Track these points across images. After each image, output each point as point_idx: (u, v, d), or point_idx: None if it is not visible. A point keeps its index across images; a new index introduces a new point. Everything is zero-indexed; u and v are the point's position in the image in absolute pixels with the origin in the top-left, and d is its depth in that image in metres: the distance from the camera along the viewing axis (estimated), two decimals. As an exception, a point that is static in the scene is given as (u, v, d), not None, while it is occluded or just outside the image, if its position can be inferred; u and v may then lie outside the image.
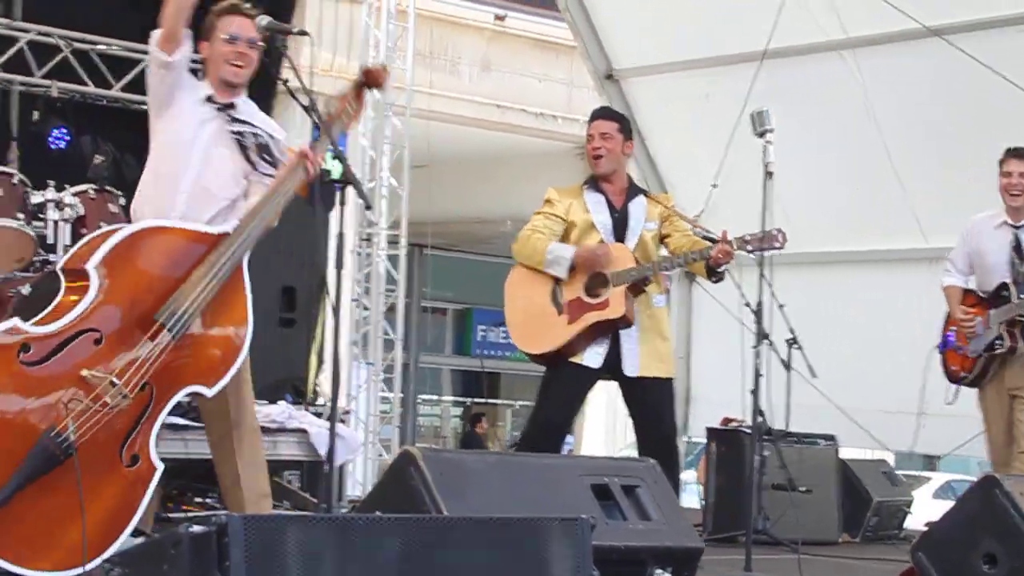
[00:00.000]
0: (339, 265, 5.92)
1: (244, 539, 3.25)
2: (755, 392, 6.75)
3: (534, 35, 19.67)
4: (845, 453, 9.74)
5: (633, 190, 7.29)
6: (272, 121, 6.23)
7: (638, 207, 7.22)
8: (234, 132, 5.96)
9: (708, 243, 7.04)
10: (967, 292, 8.04)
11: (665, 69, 11.57)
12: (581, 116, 19.56)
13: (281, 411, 8.66)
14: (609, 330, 7.00)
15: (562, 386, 7.14)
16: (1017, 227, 7.85)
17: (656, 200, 7.30)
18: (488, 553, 3.62)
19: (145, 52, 11.01)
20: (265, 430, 8.42)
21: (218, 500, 8.42)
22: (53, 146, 10.64)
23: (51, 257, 8.32)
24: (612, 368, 7.06)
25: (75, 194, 8.56)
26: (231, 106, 6.00)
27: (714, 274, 7.05)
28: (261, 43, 6.01)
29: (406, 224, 14.39)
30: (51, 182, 8.63)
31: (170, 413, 7.83)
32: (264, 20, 5.99)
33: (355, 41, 15.78)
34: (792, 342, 8.87)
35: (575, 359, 7.01)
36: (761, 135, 6.79)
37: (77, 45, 10.97)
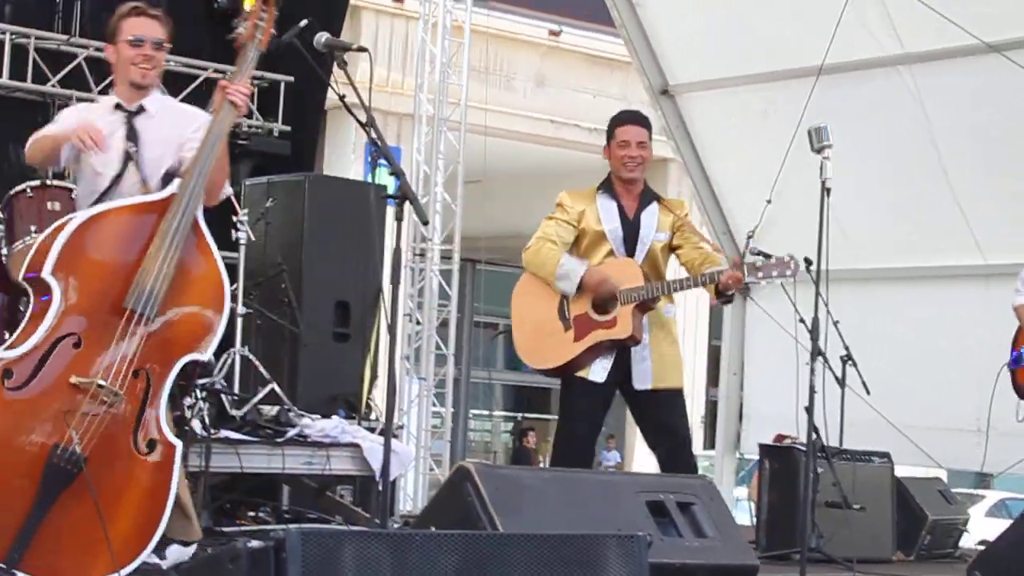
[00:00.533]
0: (395, 280, 5.92)
1: (302, 554, 3.26)
2: (809, 409, 6.71)
3: (588, 50, 19.72)
4: (899, 471, 9.69)
5: (647, 196, 7.14)
6: (192, 109, 6.21)
7: (650, 216, 7.08)
8: (127, 148, 5.87)
9: (719, 262, 6.97)
10: None
11: (721, 84, 11.53)
12: (635, 132, 19.65)
13: (334, 425, 8.66)
14: (616, 347, 6.92)
15: (575, 400, 7.05)
16: None
17: (669, 208, 7.15)
18: (544, 570, 3.62)
19: (200, 67, 11.20)
20: (318, 444, 8.47)
21: (271, 514, 8.46)
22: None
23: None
24: (620, 382, 6.98)
25: None
26: (141, 110, 5.94)
27: (723, 296, 6.98)
28: (168, 44, 5.96)
29: (459, 239, 14.41)
30: (108, 196, 8.66)
31: (226, 428, 7.94)
32: (323, 37, 6.00)
33: (411, 56, 15.86)
34: (846, 359, 8.84)
35: (581, 373, 6.92)
36: (819, 151, 6.73)
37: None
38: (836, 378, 8.22)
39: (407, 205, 5.74)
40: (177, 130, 5.98)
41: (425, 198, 14.00)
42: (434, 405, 14.61)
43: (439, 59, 14.43)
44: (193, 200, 5.66)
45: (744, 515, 10.40)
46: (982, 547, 6.35)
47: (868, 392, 8.36)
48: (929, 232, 10.44)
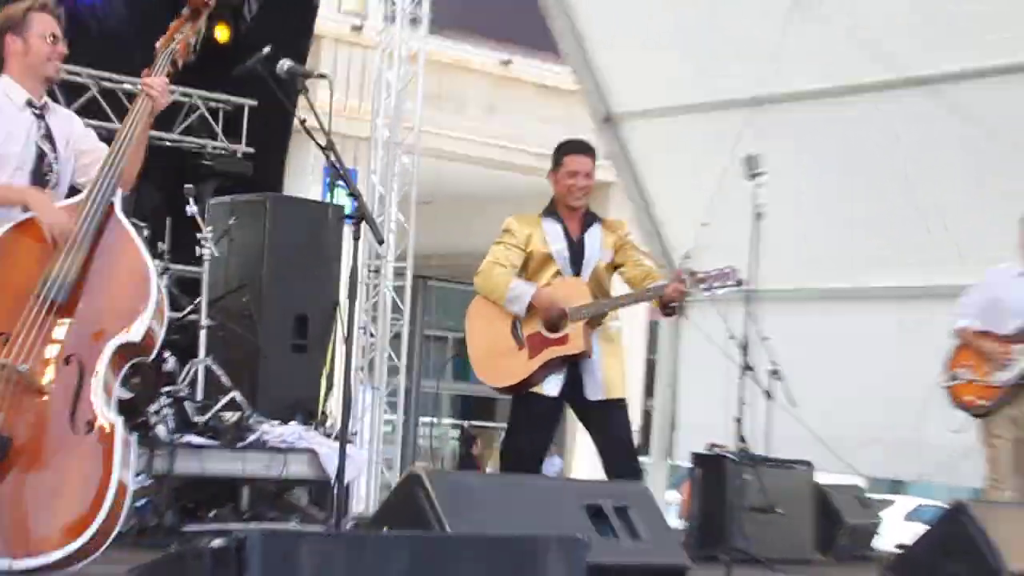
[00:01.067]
0: (351, 296, 5.94)
1: (262, 553, 3.27)
2: (738, 420, 6.77)
3: (537, 79, 19.72)
4: (820, 478, 9.76)
5: (589, 218, 7.10)
6: (65, 111, 5.98)
7: (594, 237, 7.04)
8: (39, 146, 5.68)
9: (661, 279, 6.94)
10: (983, 332, 8.21)
11: (661, 113, 11.55)
12: (579, 157, 19.68)
13: (292, 431, 8.68)
14: (567, 362, 6.88)
15: (528, 416, 6.98)
16: None
17: (611, 228, 7.11)
18: (490, 569, 3.64)
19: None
20: (276, 449, 8.48)
21: (231, 514, 8.44)
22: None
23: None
24: (571, 395, 6.92)
25: None
26: (45, 107, 5.74)
27: (668, 309, 6.93)
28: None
29: (412, 257, 14.40)
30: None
31: (190, 434, 7.90)
32: (286, 64, 6.01)
33: (368, 83, 15.83)
34: (774, 373, 8.91)
35: (535, 389, 6.85)
36: (752, 178, 6.78)
37: (104, 83, 11.02)
38: (764, 391, 8.27)
39: (363, 224, 5.76)
40: (68, 127, 5.85)
41: (380, 217, 13.96)
42: (386, 412, 14.58)
43: (395, 86, 14.41)
44: (105, 190, 5.54)
45: (675, 518, 10.45)
46: (899, 550, 6.39)
47: (794, 405, 8.40)
48: (851, 255, 10.49)
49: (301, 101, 6.11)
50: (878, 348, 9.48)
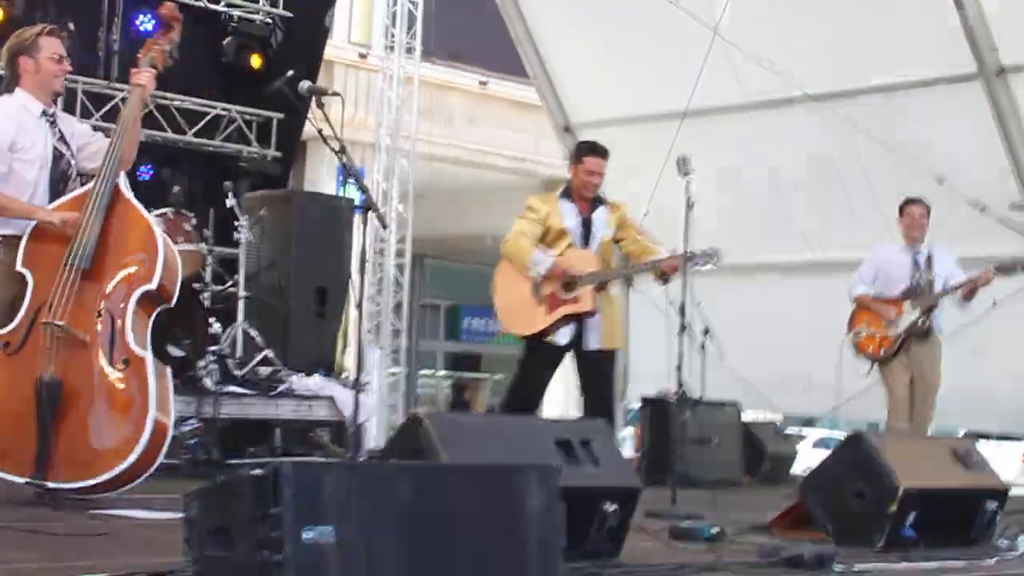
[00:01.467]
0: (361, 272, 5.90)
1: (294, 480, 3.22)
2: (679, 368, 6.75)
3: (509, 96, 19.65)
4: (746, 416, 9.75)
5: (596, 200, 7.16)
6: (64, 114, 5.92)
7: (600, 216, 7.11)
8: (55, 148, 5.64)
9: (656, 251, 7.03)
10: (888, 299, 8.29)
11: (610, 123, 11.51)
12: (544, 159, 19.63)
13: (316, 382, 8.63)
14: (577, 318, 6.97)
15: (539, 359, 7.05)
16: (913, 251, 8.28)
17: (613, 208, 7.18)
18: (480, 492, 3.60)
19: (211, 106, 11.08)
20: (302, 397, 8.44)
21: (266, 451, 8.39)
22: (141, 178, 10.59)
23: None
24: (576, 344, 7.00)
25: (157, 215, 8.49)
26: (55, 114, 5.70)
27: (663, 278, 7.03)
28: None
29: (410, 241, 14.39)
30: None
31: (231, 385, 7.83)
32: (306, 85, 5.97)
33: (372, 100, 15.76)
34: (706, 332, 8.89)
35: (549, 339, 6.93)
36: (684, 175, 6.76)
37: (160, 100, 10.93)
38: (699, 345, 8.26)
39: (370, 214, 5.71)
40: (71, 127, 5.80)
41: (384, 209, 13.96)
42: (391, 367, 14.59)
43: (394, 102, 14.39)
44: (109, 174, 5.51)
45: (629, 450, 10.42)
46: (808, 473, 6.36)
47: (722, 357, 8.41)
48: (769, 236, 10.49)
49: (318, 114, 6.08)
50: (793, 311, 9.51)
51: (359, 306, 6.20)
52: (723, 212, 10.03)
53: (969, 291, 8.06)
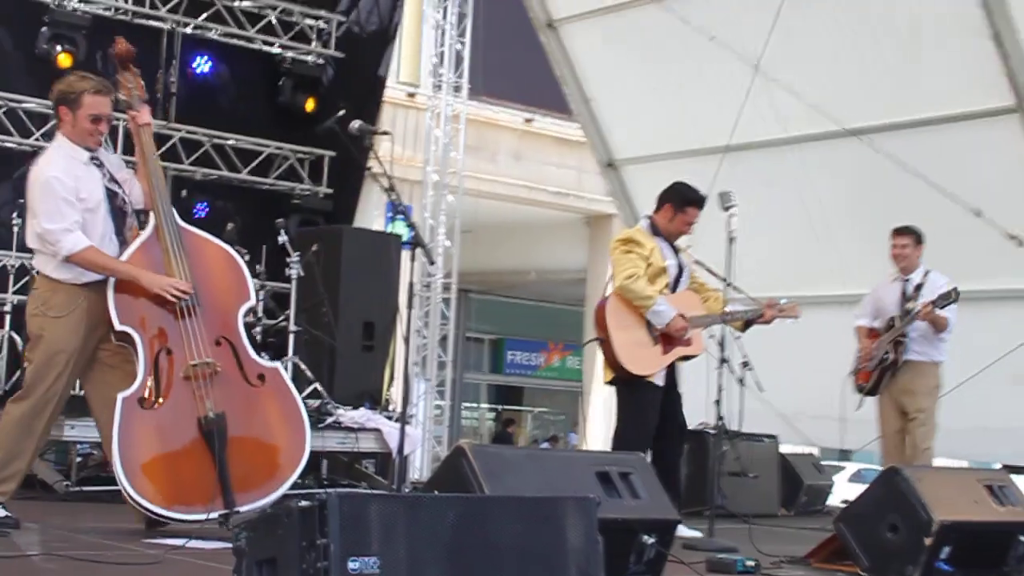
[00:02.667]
0: (408, 306, 5.94)
1: (340, 511, 3.26)
2: (718, 402, 6.73)
3: (554, 133, 19.72)
4: (783, 448, 9.71)
5: (674, 247, 7.15)
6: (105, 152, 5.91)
7: (684, 260, 7.13)
8: (108, 188, 5.64)
9: (719, 296, 7.03)
10: (872, 330, 8.33)
11: (652, 159, 11.57)
12: (588, 194, 19.67)
13: (361, 415, 8.67)
14: (686, 359, 6.97)
15: (650, 403, 6.90)
16: (903, 280, 8.25)
17: (686, 255, 7.19)
18: (520, 523, 3.62)
19: (265, 144, 11.21)
20: (349, 429, 8.48)
21: (313, 481, 8.43)
22: (197, 215, 10.74)
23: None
24: (665, 384, 6.95)
25: None
26: (97, 155, 5.69)
27: (748, 326, 7.08)
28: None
29: (456, 275, 14.43)
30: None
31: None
32: (356, 123, 6.02)
33: (420, 138, 15.85)
34: (745, 365, 8.84)
35: (651, 378, 6.84)
36: (726, 209, 6.75)
37: (216, 140, 11.06)
38: (737, 379, 8.22)
39: (417, 249, 5.76)
40: (109, 163, 5.79)
41: (431, 244, 14.02)
42: (436, 399, 14.61)
43: (441, 140, 14.46)
44: (168, 212, 5.62)
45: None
46: (844, 505, 6.34)
47: (761, 390, 8.36)
48: (806, 269, 10.46)
49: (368, 152, 6.14)
50: (828, 344, 9.42)
51: (406, 339, 6.23)
52: (761, 246, 10.00)
53: (931, 323, 7.96)
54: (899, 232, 8.26)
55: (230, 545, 3.58)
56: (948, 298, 7.89)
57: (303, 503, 3.32)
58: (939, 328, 8.00)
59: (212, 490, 5.34)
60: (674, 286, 7.01)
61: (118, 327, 5.46)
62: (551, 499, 3.77)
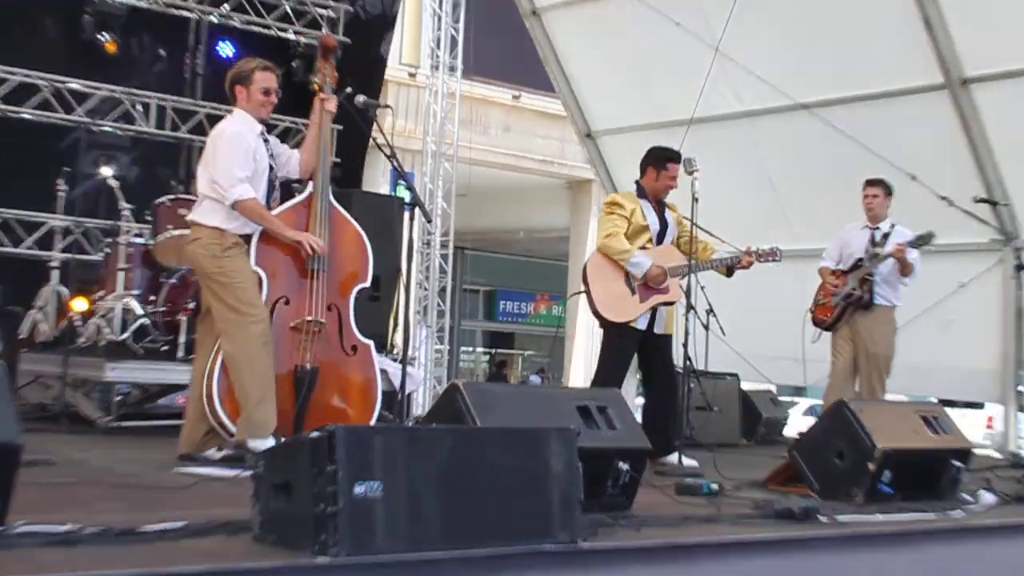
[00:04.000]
0: (409, 261, 5.89)
1: (346, 441, 3.21)
2: (685, 344, 6.69)
3: (538, 108, 19.64)
4: (744, 385, 9.68)
5: (662, 201, 6.99)
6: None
7: (669, 217, 6.97)
8: (270, 163, 5.71)
9: (711, 247, 6.90)
10: (833, 271, 8.13)
11: (625, 131, 11.51)
12: (570, 162, 19.59)
13: (371, 357, 8.61)
14: (664, 306, 6.82)
15: (626, 347, 6.79)
16: (872, 228, 8.05)
17: (673, 210, 7.03)
18: (509, 452, 3.58)
19: (282, 119, 11.04)
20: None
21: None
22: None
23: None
24: (647, 328, 6.80)
25: (157, 203, 8.14)
26: (263, 132, 5.77)
27: (731, 272, 6.93)
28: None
29: (453, 233, 14.39)
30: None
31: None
32: (361, 98, 5.94)
33: (420, 113, 15.76)
34: (709, 311, 8.80)
35: (632, 324, 6.72)
36: (690, 174, 6.68)
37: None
38: (702, 324, 8.19)
39: (417, 211, 5.70)
40: (272, 142, 5.86)
41: (430, 206, 13.98)
42: (436, 344, 14.58)
43: (439, 114, 14.38)
44: (325, 185, 5.76)
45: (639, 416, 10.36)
46: (798, 436, 6.32)
47: (724, 333, 8.34)
48: (763, 227, 10.37)
49: (374, 125, 6.06)
50: (780, 293, 9.42)
51: (407, 291, 6.20)
52: (723, 206, 9.92)
53: (899, 263, 7.74)
54: (871, 183, 8.06)
55: (250, 472, 3.53)
56: (925, 239, 7.66)
57: (313, 434, 3.27)
58: (905, 272, 7.77)
59: (284, 428, 5.39)
60: (658, 241, 6.89)
61: (252, 267, 5.54)
62: (536, 430, 3.73)
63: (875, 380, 7.88)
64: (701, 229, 6.89)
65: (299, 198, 5.77)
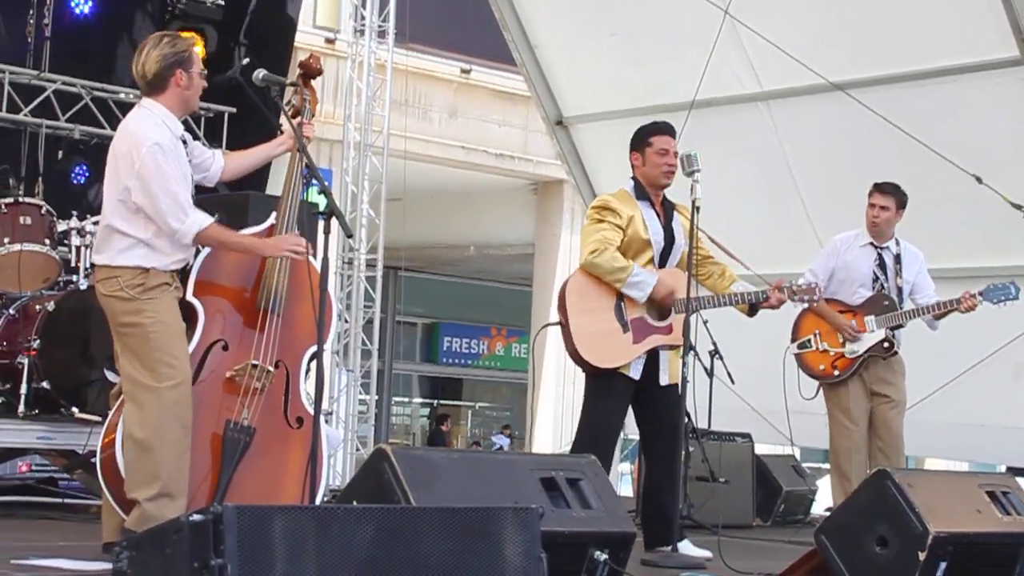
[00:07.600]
0: (323, 285, 5.88)
1: (237, 526, 3.21)
2: (682, 396, 6.68)
3: (495, 86, 19.72)
4: (759, 448, 9.74)
5: (668, 204, 6.75)
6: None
7: (678, 226, 6.69)
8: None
9: (734, 276, 6.78)
10: (830, 301, 7.92)
11: (607, 117, 11.53)
12: (535, 157, 19.68)
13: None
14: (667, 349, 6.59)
15: (618, 399, 6.58)
16: (879, 248, 7.93)
17: (683, 214, 6.72)
18: (451, 538, 3.60)
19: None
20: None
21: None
22: (75, 181, 10.60)
23: (73, 278, 8.25)
24: (646, 378, 6.58)
25: (95, 223, 8.46)
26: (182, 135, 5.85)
27: (754, 311, 6.73)
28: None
29: (382, 249, 14.39)
30: (74, 212, 8.57)
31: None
32: (260, 73, 5.97)
33: (340, 91, 15.77)
34: (714, 353, 8.85)
35: (623, 371, 6.49)
36: (689, 175, 6.64)
37: (97, 93, 10.93)
38: (705, 369, 8.23)
39: (334, 221, 5.71)
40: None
41: (352, 214, 13.97)
42: (360, 393, 14.56)
43: (364, 93, 14.38)
44: (291, 219, 5.89)
45: (629, 488, 10.40)
46: (827, 514, 6.37)
47: (732, 381, 8.37)
48: (782, 241, 10.46)
49: (279, 108, 6.08)
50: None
51: (322, 324, 6.18)
52: (731, 213, 10.02)
53: (942, 314, 7.67)
54: (882, 191, 7.89)
55: (110, 566, 3.52)
56: (1007, 293, 7.51)
57: (194, 517, 3.27)
58: (938, 319, 7.73)
59: (206, 493, 5.46)
60: (661, 261, 6.65)
61: (187, 296, 5.63)
62: (486, 510, 3.75)
63: (896, 428, 7.80)
64: (719, 247, 6.77)
65: (256, 228, 5.89)
